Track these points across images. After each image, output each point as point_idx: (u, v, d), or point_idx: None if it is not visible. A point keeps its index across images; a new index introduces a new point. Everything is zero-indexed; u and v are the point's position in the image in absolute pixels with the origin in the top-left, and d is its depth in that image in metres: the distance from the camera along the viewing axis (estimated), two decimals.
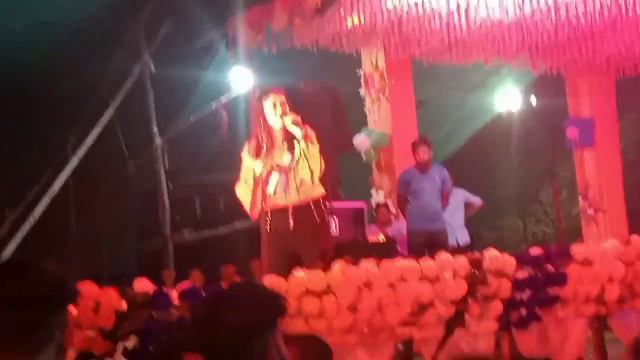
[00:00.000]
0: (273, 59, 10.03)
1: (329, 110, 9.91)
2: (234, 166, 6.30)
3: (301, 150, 5.98)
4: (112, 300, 4.65)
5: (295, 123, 6.01)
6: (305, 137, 5.99)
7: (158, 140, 13.53)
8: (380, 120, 10.67)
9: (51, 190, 12.37)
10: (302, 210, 6.01)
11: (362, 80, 10.78)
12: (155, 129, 13.54)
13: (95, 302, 4.60)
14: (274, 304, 2.28)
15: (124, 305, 4.70)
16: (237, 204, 6.41)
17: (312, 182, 6.01)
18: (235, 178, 6.34)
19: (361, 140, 10.48)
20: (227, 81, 11.45)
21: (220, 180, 13.46)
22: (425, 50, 10.14)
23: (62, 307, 1.85)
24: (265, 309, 2.26)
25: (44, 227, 12.32)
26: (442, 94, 13.54)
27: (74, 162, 12.70)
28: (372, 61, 10.66)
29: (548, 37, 9.59)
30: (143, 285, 4.93)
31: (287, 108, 6.09)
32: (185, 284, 6.95)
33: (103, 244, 14.78)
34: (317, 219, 6.02)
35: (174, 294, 4.90)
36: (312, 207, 6.02)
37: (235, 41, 9.68)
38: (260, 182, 6.10)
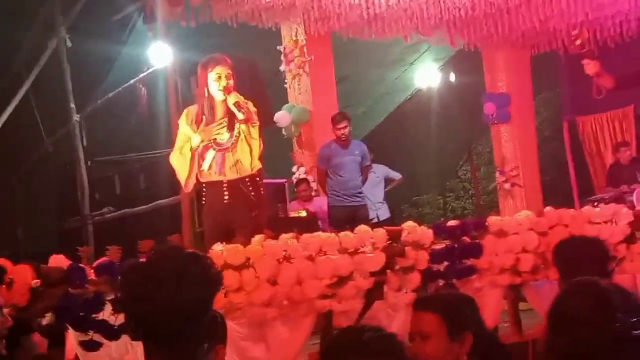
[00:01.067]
0: (192, 34, 9.91)
1: (249, 85, 9.85)
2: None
3: (241, 132, 5.87)
4: (27, 277, 4.55)
5: (236, 105, 5.82)
6: (247, 121, 5.84)
7: (76, 117, 13.29)
8: (300, 96, 10.69)
9: None
10: (237, 185, 5.95)
11: (282, 56, 10.77)
12: (73, 106, 13.29)
13: (9, 279, 4.51)
14: (218, 273, 2.08)
15: (40, 282, 4.63)
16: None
17: (251, 165, 5.92)
18: (166, 155, 6.11)
19: (282, 116, 10.48)
20: (146, 57, 11.30)
21: (140, 158, 13.36)
22: (345, 26, 10.17)
23: None
24: (215, 280, 2.06)
25: None
26: (362, 70, 13.63)
27: None
28: (292, 36, 10.66)
29: (465, 12, 9.72)
30: (59, 262, 4.85)
31: (232, 83, 5.89)
32: (103, 261, 6.84)
33: (21, 223, 14.50)
34: (253, 194, 5.98)
35: (90, 271, 4.84)
36: (248, 181, 5.96)
37: (154, 15, 9.52)
38: (196, 156, 5.99)
